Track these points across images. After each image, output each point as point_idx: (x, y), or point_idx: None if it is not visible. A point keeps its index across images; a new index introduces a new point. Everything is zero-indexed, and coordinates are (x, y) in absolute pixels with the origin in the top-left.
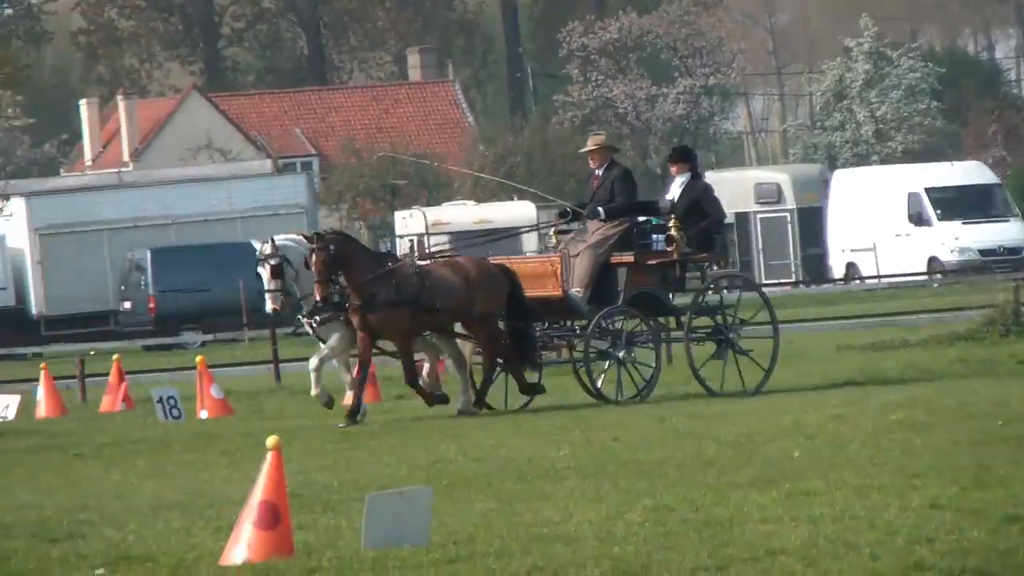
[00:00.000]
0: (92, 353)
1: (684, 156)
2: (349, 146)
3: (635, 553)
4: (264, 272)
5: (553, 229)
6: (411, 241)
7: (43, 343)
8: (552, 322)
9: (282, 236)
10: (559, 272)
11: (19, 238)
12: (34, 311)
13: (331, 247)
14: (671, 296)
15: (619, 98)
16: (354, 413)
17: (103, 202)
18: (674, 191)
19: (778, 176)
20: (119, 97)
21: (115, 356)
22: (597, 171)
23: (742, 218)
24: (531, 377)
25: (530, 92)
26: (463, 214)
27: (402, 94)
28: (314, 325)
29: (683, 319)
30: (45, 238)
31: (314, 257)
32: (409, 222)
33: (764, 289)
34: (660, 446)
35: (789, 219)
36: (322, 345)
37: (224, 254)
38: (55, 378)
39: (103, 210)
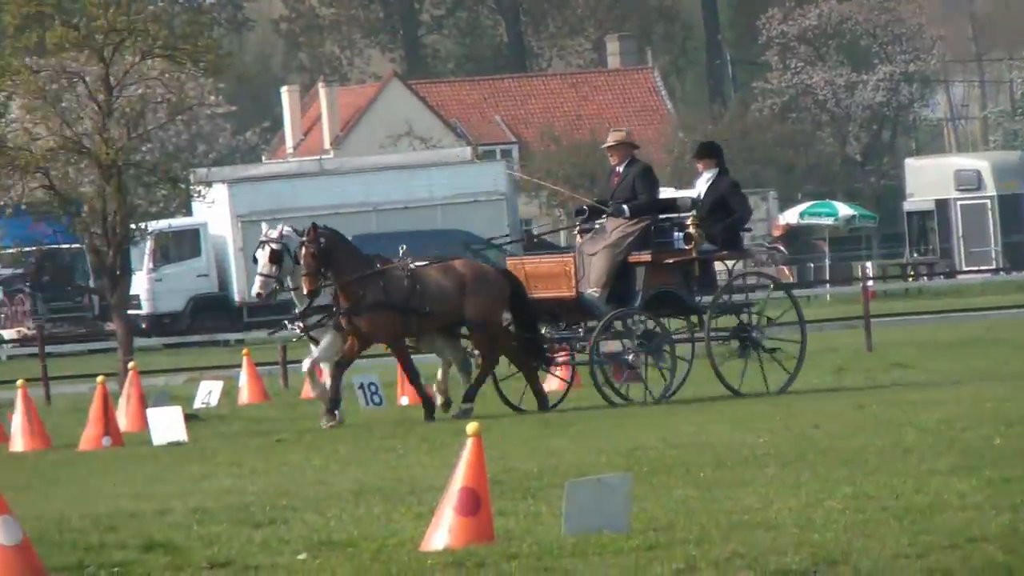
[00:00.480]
0: (294, 340)
1: (710, 152)
2: (548, 133)
3: (835, 540)
4: (262, 255)
5: (577, 228)
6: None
7: (245, 329)
8: (570, 323)
9: (290, 228)
10: (572, 272)
11: (221, 225)
12: (236, 298)
13: (321, 240)
14: (695, 294)
15: (818, 85)
16: (334, 406)
17: (304, 189)
18: (700, 187)
19: (978, 163)
20: (320, 84)
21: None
22: (618, 167)
23: (942, 205)
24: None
25: (729, 79)
26: None
27: (601, 81)
28: (301, 327)
29: (704, 318)
30: (247, 225)
31: (303, 250)
32: None
33: (830, 286)
34: (859, 433)
35: (989, 206)
36: (313, 348)
37: (424, 241)
38: (257, 364)
39: (304, 197)
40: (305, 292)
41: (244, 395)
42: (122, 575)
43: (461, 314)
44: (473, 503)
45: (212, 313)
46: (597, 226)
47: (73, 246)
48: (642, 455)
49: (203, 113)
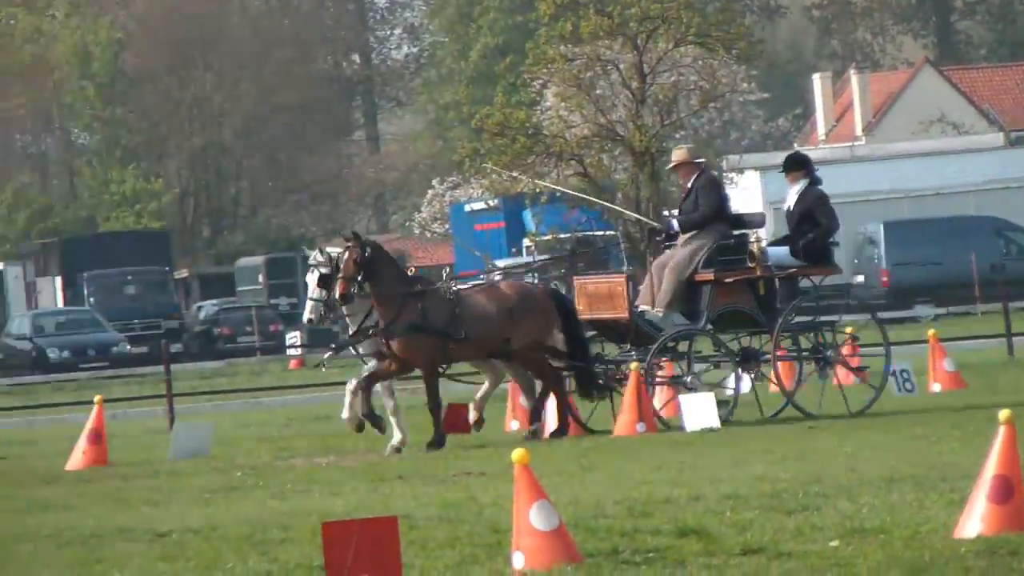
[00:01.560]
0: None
1: (798, 164)
2: None
3: None
4: (311, 279)
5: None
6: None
7: None
8: (637, 344)
9: (337, 249)
10: (625, 293)
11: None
12: None
13: (367, 249)
14: (770, 313)
15: None
16: (361, 426)
17: (836, 176)
18: (790, 200)
19: None
20: (852, 71)
21: (848, 329)
22: (687, 185)
23: None
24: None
25: None
26: None
27: None
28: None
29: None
30: (778, 211)
31: (346, 254)
32: None
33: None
34: None
35: None
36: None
37: (957, 227)
38: (789, 351)
39: (836, 184)
40: (337, 295)
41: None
42: (656, 560)
43: (505, 339)
44: (1006, 491)
45: None
46: (672, 244)
47: (606, 232)
48: None
49: (735, 100)
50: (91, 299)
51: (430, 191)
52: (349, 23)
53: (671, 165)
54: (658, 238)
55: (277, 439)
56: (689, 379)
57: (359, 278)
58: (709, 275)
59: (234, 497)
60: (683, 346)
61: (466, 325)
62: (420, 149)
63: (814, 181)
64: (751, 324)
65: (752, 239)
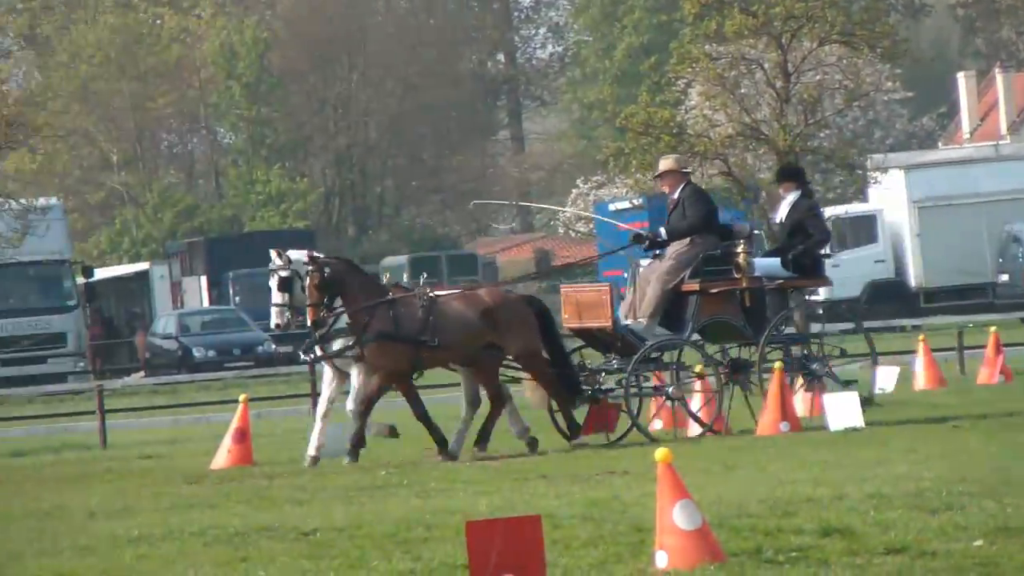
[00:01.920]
0: (970, 326)
1: (791, 175)
2: None
3: None
4: (272, 284)
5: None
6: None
7: (921, 315)
8: (623, 354)
9: (298, 254)
10: (609, 302)
11: (897, 211)
12: (912, 283)
13: (325, 270)
14: (757, 324)
15: None
16: (356, 448)
17: (981, 175)
18: (782, 211)
19: None
20: (996, 70)
21: (992, 328)
22: (672, 195)
23: None
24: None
25: None
26: None
27: None
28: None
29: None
30: (923, 210)
31: (308, 280)
32: None
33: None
34: None
35: None
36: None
37: None
38: (933, 350)
39: (980, 183)
40: (309, 322)
41: (920, 381)
42: (799, 560)
43: (482, 345)
44: None
45: (888, 299)
46: (657, 253)
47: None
48: None
49: (879, 99)
50: (236, 298)
51: (574, 190)
52: (494, 22)
53: (656, 174)
54: (642, 246)
55: (422, 438)
56: (672, 389)
57: (325, 300)
58: (695, 285)
59: (378, 496)
60: (671, 356)
61: (440, 332)
62: (564, 148)
63: (806, 193)
64: (732, 335)
65: (739, 250)
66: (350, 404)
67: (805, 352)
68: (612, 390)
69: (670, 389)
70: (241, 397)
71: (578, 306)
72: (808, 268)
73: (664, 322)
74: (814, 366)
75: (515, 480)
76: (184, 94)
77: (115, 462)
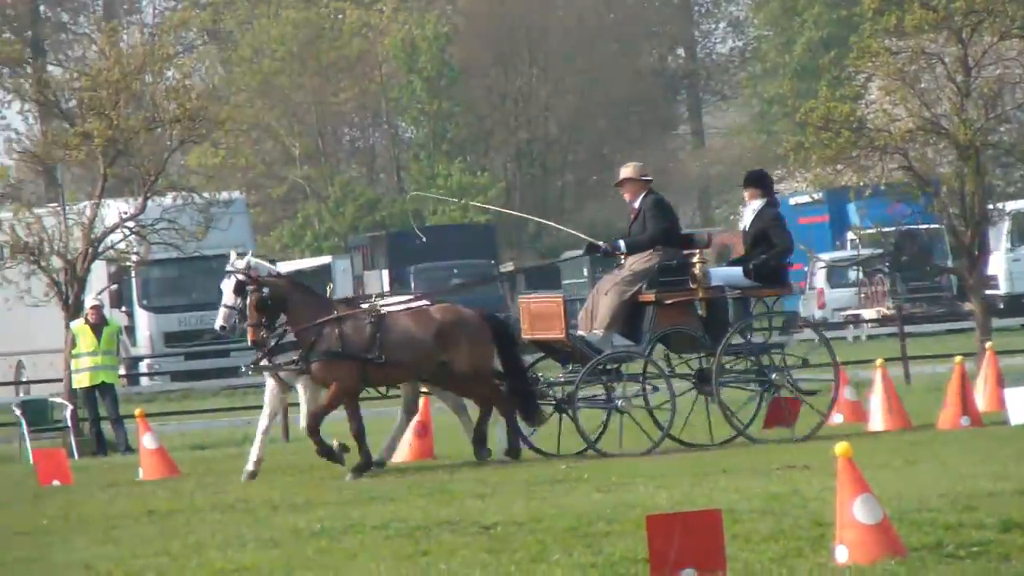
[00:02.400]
0: None
1: (757, 181)
2: None
3: None
4: (227, 285)
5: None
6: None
7: None
8: (580, 364)
9: (257, 259)
10: (562, 313)
11: None
12: None
13: (264, 290)
14: (716, 334)
15: None
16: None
17: None
18: (746, 219)
19: None
20: None
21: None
22: (633, 204)
23: None
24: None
25: None
26: None
27: None
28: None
29: (720, 359)
30: None
31: (248, 299)
32: None
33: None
34: None
35: None
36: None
37: None
38: None
39: None
40: (249, 341)
41: None
42: (980, 555)
43: (433, 363)
44: None
45: None
46: (615, 264)
47: (931, 226)
48: None
49: None
50: (418, 292)
51: None
52: (674, 17)
53: (616, 181)
54: (597, 255)
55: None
56: (620, 402)
57: (264, 321)
58: (651, 296)
59: (559, 490)
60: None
61: (386, 349)
62: (744, 143)
63: (771, 201)
64: (691, 346)
65: (694, 260)
66: (301, 422)
67: (764, 363)
68: (559, 400)
69: (619, 402)
70: (422, 390)
71: (534, 317)
72: (769, 277)
73: (625, 332)
74: (773, 376)
75: (695, 474)
76: (365, 88)
77: (297, 456)
